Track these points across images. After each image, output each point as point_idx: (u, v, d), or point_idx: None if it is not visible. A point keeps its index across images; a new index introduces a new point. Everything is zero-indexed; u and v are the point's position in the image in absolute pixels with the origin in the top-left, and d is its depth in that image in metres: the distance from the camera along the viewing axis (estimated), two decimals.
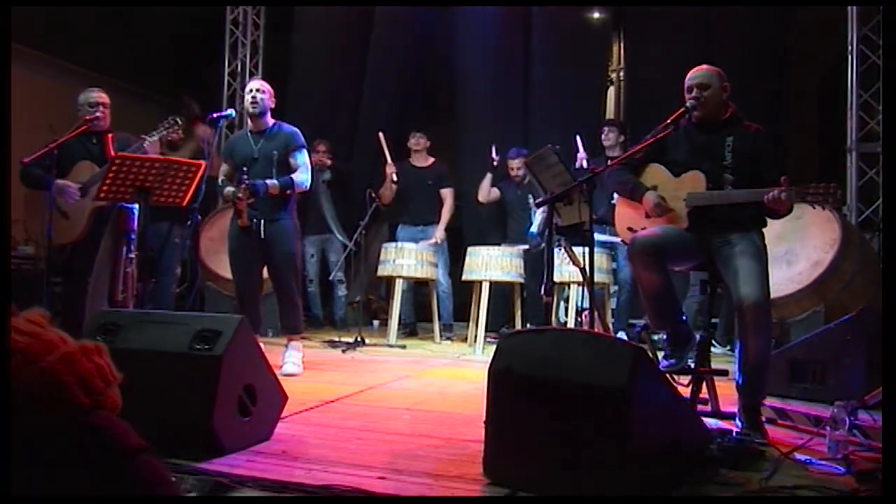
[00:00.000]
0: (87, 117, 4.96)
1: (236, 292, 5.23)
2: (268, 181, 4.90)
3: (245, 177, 4.83)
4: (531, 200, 7.01)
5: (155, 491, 1.10)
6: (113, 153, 4.84)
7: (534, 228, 6.91)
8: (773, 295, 5.46)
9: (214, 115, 4.96)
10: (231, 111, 5.37)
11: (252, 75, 8.89)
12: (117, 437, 1.09)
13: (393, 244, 7.06)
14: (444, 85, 9.00)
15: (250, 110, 5.07)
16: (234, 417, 2.87)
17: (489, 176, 7.37)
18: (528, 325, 6.86)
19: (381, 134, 7.47)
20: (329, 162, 7.81)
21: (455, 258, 7.56)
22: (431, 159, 7.75)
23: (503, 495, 2.42)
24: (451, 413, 3.84)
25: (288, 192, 5.00)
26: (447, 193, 7.63)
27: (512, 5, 8.29)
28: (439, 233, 7.48)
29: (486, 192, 7.43)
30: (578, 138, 6.77)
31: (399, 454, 2.93)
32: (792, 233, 5.74)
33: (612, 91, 9.53)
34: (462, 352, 6.61)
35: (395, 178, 7.41)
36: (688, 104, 3.48)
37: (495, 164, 7.25)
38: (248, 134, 5.14)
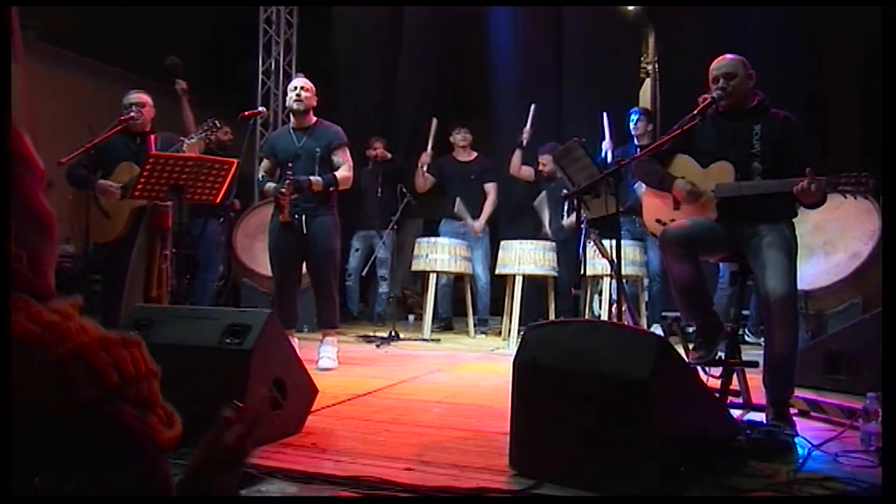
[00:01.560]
0: (122, 117, 5.06)
1: (275, 288, 5.31)
2: (311, 177, 4.97)
3: (290, 172, 4.90)
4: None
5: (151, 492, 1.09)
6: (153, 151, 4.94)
7: (564, 221, 6.90)
8: (810, 287, 5.46)
9: (246, 114, 5.02)
10: (262, 109, 5.43)
11: (286, 74, 8.97)
12: (126, 429, 1.08)
13: (426, 239, 7.09)
14: (477, 81, 9.00)
15: (295, 107, 5.12)
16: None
17: (518, 151, 7.32)
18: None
19: (434, 120, 7.51)
20: (389, 155, 7.85)
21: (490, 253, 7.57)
22: (475, 154, 7.76)
23: (527, 486, 2.44)
24: (481, 406, 3.87)
25: (331, 189, 5.05)
26: (490, 188, 7.61)
27: (544, 5, 8.28)
28: (479, 223, 7.47)
29: (517, 167, 7.37)
30: (605, 118, 6.73)
31: (427, 446, 2.95)
32: (829, 223, 5.67)
33: (647, 83, 9.47)
34: (496, 346, 6.62)
35: (426, 169, 7.44)
36: (714, 95, 3.46)
37: (524, 141, 7.21)
38: (291, 131, 5.21)
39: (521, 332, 6.40)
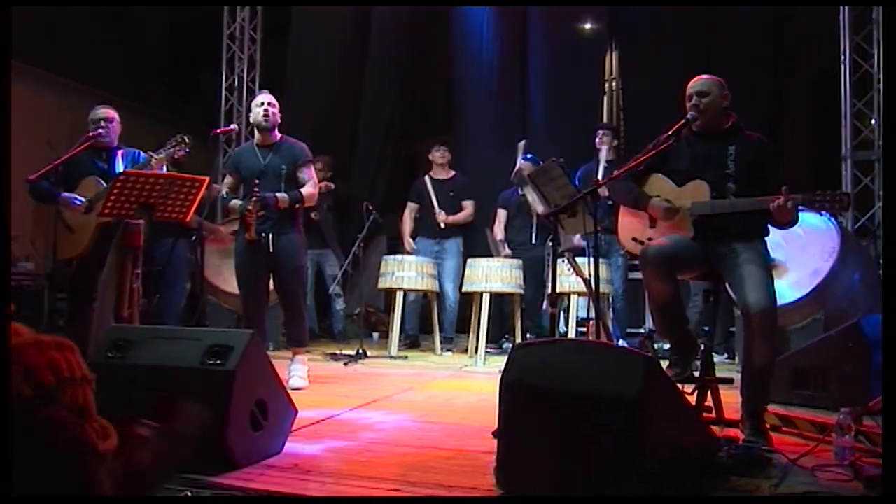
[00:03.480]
0: (90, 133, 4.98)
1: (242, 306, 5.26)
2: (278, 195, 4.93)
3: (256, 189, 4.85)
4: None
5: (95, 493, 1.08)
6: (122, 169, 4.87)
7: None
8: None
9: (219, 131, 4.97)
10: (234, 126, 5.38)
11: (250, 90, 8.90)
12: (63, 432, 1.06)
13: (392, 257, 7.09)
14: (442, 98, 9.04)
15: (263, 124, 5.07)
16: (247, 432, 2.89)
17: (499, 222, 7.47)
18: (528, 336, 6.89)
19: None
20: (332, 186, 7.81)
21: None
22: (452, 172, 7.81)
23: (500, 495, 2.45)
24: (458, 424, 3.86)
25: (297, 206, 5.02)
26: (468, 205, 7.71)
27: (508, 5, 8.35)
28: (450, 218, 7.54)
29: (501, 230, 7.51)
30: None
31: (410, 466, 2.95)
32: (790, 241, 5.78)
33: (605, 101, 9.60)
34: (463, 363, 6.62)
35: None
36: (688, 115, 3.53)
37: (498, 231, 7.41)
38: (255, 147, 5.15)
39: (488, 349, 6.53)
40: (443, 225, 7.53)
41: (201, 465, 2.68)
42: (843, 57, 7.19)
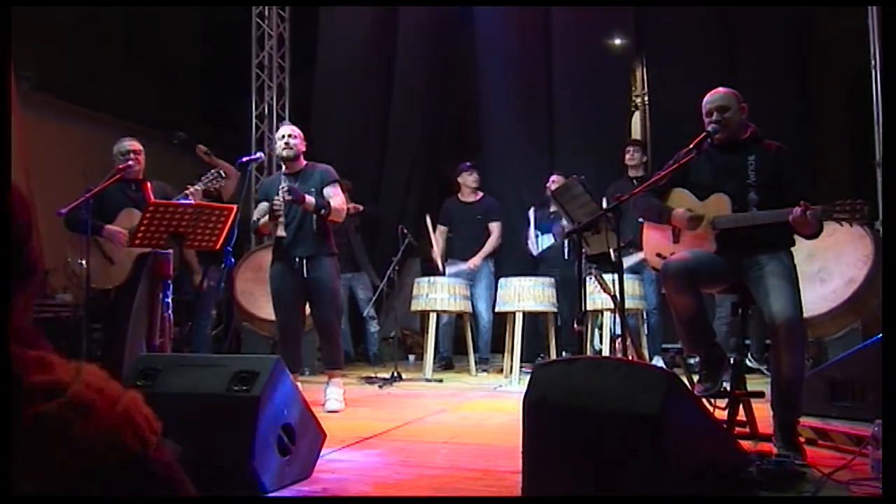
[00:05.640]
0: (120, 166, 5.07)
1: (279, 331, 5.33)
2: (306, 195, 4.99)
3: (285, 186, 5.00)
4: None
5: None
6: (152, 200, 4.95)
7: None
8: (808, 314, 5.44)
9: (244, 160, 5.05)
10: (260, 154, 5.46)
11: (280, 117, 9.00)
12: (170, 472, 1.14)
13: (425, 279, 7.09)
14: (469, 118, 9.07)
15: (284, 155, 5.18)
16: (274, 457, 2.91)
17: (532, 229, 7.43)
18: (563, 354, 6.85)
19: (428, 217, 7.64)
20: (361, 207, 7.87)
21: None
22: (480, 194, 7.81)
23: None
24: (488, 445, 3.85)
25: (322, 212, 5.05)
26: (495, 227, 7.68)
27: (531, 5, 8.36)
28: (477, 259, 7.51)
29: (535, 245, 7.48)
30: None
31: (438, 488, 2.95)
32: (824, 250, 5.70)
33: (637, 116, 9.56)
34: (498, 383, 6.60)
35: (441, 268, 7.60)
36: (709, 128, 3.50)
37: (532, 223, 7.34)
38: (283, 176, 5.24)
39: (523, 369, 6.50)
40: (472, 268, 7.51)
41: (229, 492, 2.71)
42: (873, 61, 7.09)
